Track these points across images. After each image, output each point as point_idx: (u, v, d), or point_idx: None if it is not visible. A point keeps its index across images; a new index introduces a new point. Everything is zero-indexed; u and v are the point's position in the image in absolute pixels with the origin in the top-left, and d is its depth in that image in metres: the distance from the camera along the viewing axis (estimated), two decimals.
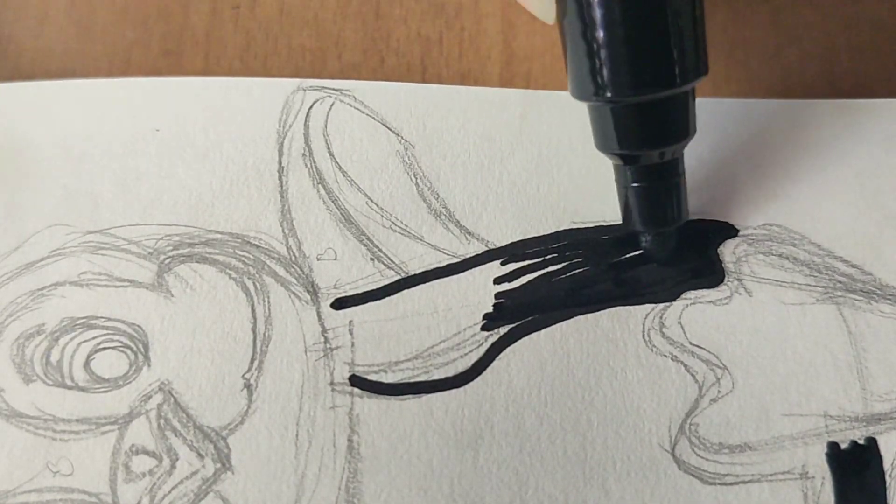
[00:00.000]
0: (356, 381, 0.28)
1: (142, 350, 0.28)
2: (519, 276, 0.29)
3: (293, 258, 0.29)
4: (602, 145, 0.27)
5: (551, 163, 0.31)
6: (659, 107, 0.25)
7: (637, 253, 0.29)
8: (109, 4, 0.33)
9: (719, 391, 0.28)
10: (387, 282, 0.29)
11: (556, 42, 0.32)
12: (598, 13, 0.24)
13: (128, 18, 0.33)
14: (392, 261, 0.29)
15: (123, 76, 0.32)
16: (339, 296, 0.29)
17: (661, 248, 0.29)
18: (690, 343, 0.28)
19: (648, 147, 0.26)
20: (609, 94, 0.25)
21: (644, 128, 0.26)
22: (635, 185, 0.27)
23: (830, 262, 0.29)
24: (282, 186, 0.30)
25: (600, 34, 0.24)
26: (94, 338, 0.28)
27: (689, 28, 0.25)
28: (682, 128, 0.26)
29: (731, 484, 0.27)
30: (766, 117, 0.31)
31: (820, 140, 0.31)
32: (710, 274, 0.29)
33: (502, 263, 0.29)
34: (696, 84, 0.25)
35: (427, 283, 0.29)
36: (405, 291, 0.29)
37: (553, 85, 0.32)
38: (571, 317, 0.29)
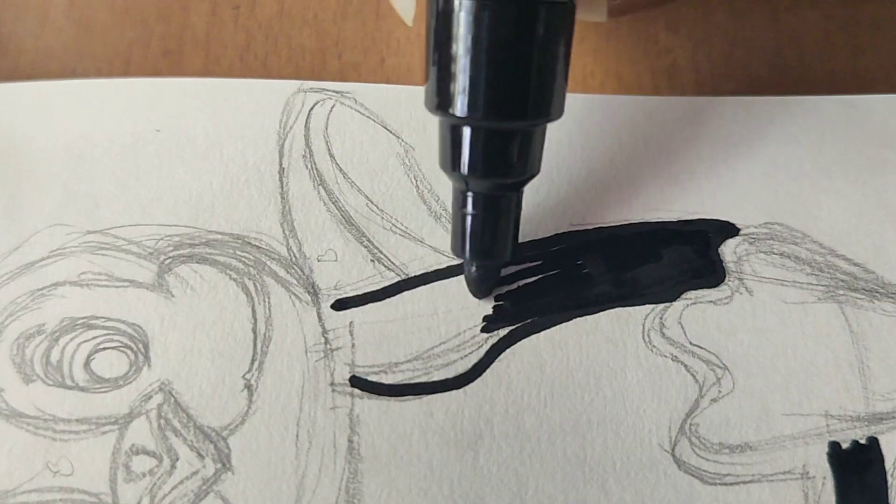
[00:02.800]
0: (356, 381, 0.28)
1: (142, 350, 0.28)
2: (518, 279, 0.29)
3: (294, 259, 0.29)
4: (443, 164, 0.26)
5: (550, 165, 0.30)
6: (503, 138, 0.25)
7: (637, 254, 0.29)
8: (109, 4, 0.33)
9: (720, 391, 0.28)
10: (387, 283, 0.29)
11: None
12: (461, 27, 0.23)
13: (128, 18, 0.33)
14: (392, 262, 0.29)
15: (123, 76, 0.32)
16: (339, 297, 0.29)
17: (482, 280, 0.28)
18: (691, 343, 0.28)
19: (484, 176, 0.25)
20: (455, 112, 0.24)
21: (484, 156, 0.25)
22: (467, 211, 0.26)
23: (832, 261, 0.29)
24: (282, 187, 0.30)
25: (459, 49, 0.23)
26: (94, 338, 0.28)
27: (550, 66, 0.24)
28: (523, 165, 0.25)
29: (731, 484, 0.27)
30: (766, 115, 0.31)
31: (821, 137, 0.31)
32: (711, 273, 0.29)
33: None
34: (546, 124, 0.25)
35: (427, 285, 0.29)
36: (405, 293, 0.29)
37: None
38: (571, 318, 0.29)
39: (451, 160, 0.25)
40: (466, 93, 0.24)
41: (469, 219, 0.26)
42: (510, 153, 0.25)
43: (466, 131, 0.25)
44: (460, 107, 0.24)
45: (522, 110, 0.24)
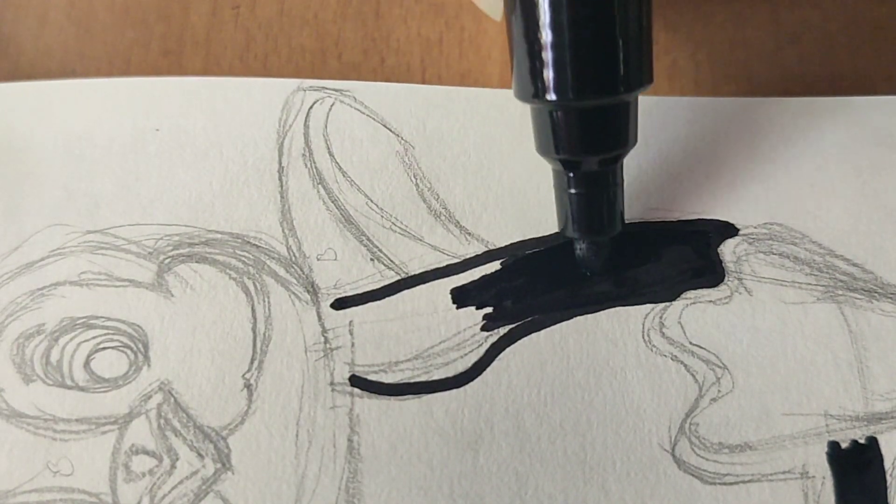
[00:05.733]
0: (356, 381, 0.28)
1: (142, 350, 0.28)
2: (519, 277, 0.29)
3: (293, 258, 0.29)
4: (542, 149, 0.26)
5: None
6: (600, 114, 0.25)
7: (637, 253, 0.29)
8: (109, 4, 0.33)
9: (719, 391, 0.28)
10: (387, 282, 0.29)
11: None
12: (544, 14, 0.23)
13: (128, 18, 0.33)
14: (392, 261, 0.29)
15: (123, 76, 0.32)
16: (339, 296, 0.29)
17: (595, 257, 0.29)
18: (690, 343, 0.28)
19: (586, 154, 0.26)
20: (550, 97, 0.24)
21: (584, 134, 0.25)
22: (573, 191, 0.27)
23: (831, 261, 0.29)
24: (282, 186, 0.30)
25: (545, 35, 0.24)
26: (94, 338, 0.28)
27: (635, 36, 0.24)
28: (623, 136, 0.26)
29: (731, 484, 0.27)
30: (765, 115, 0.31)
31: (820, 138, 0.31)
32: (711, 273, 0.29)
33: (502, 264, 0.29)
34: (640, 93, 0.25)
35: (427, 284, 0.29)
36: (405, 292, 0.29)
37: None
38: (571, 317, 0.29)
39: (555, 143, 0.26)
40: (566, 76, 0.24)
41: (581, 198, 0.27)
42: (617, 126, 0.26)
43: (572, 113, 0.25)
44: (563, 91, 0.24)
45: (630, 82, 0.25)
